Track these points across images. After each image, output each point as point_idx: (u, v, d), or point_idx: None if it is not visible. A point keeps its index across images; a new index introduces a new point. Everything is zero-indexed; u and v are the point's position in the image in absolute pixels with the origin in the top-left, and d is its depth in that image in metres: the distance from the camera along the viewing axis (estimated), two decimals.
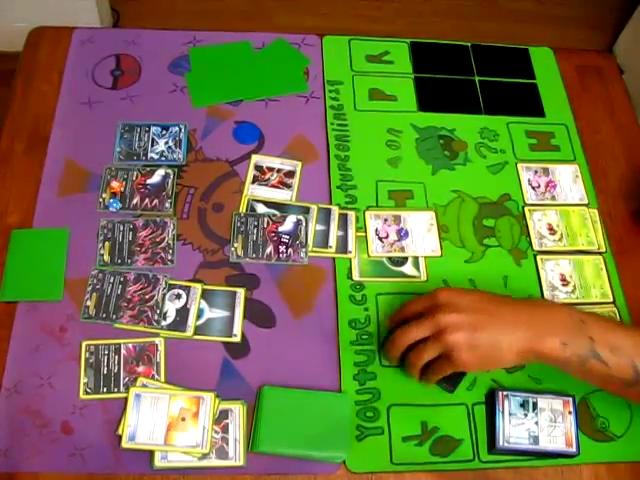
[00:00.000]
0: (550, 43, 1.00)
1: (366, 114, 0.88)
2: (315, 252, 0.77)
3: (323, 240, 0.77)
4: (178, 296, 0.72)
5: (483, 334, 0.60)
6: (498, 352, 0.61)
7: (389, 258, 0.78)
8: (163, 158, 0.81)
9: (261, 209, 0.79)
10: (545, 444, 0.66)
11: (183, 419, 0.64)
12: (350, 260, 0.77)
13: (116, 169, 0.79)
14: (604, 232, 0.82)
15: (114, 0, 1.91)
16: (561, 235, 0.81)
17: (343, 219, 0.79)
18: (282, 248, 0.76)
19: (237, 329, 0.71)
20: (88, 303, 0.71)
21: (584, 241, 0.81)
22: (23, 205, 0.76)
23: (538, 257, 0.80)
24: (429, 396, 0.70)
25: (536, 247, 0.80)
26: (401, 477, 0.66)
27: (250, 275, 0.75)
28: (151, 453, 0.63)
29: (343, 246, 0.77)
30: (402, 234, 0.79)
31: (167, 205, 0.78)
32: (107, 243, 0.74)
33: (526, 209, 0.83)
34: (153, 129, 0.83)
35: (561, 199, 0.84)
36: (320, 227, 0.78)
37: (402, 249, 0.78)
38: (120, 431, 0.63)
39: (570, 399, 0.68)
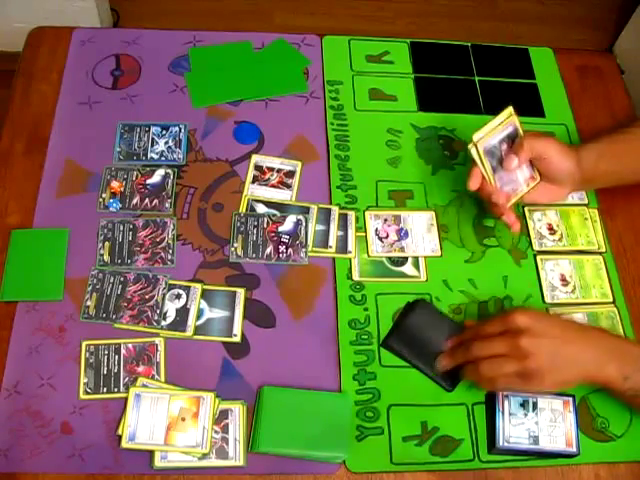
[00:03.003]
0: (550, 43, 1.00)
1: (366, 114, 0.88)
2: (315, 252, 0.77)
3: (323, 240, 0.77)
4: (178, 296, 0.72)
5: (560, 361, 0.63)
6: (570, 377, 0.64)
7: (389, 258, 0.78)
8: (163, 158, 0.81)
9: (261, 209, 0.79)
10: (545, 444, 0.66)
11: (183, 419, 0.64)
12: (350, 260, 0.77)
13: (116, 169, 0.79)
14: (604, 232, 0.82)
15: (114, 0, 1.91)
16: (561, 235, 0.81)
17: (343, 219, 0.79)
18: (282, 248, 0.76)
19: (237, 329, 0.71)
20: (88, 303, 0.71)
21: (584, 241, 0.81)
22: (23, 205, 0.76)
23: (538, 257, 0.79)
24: (429, 396, 0.70)
25: (536, 247, 0.80)
26: (401, 477, 0.66)
27: (250, 275, 0.75)
28: (151, 453, 0.63)
29: (343, 246, 0.77)
30: (402, 234, 0.79)
31: (167, 205, 0.78)
32: (107, 243, 0.74)
33: (526, 209, 0.83)
34: (153, 129, 0.83)
35: None
36: (320, 227, 0.78)
37: (402, 249, 0.78)
38: (120, 431, 0.63)
39: (570, 399, 0.68)
